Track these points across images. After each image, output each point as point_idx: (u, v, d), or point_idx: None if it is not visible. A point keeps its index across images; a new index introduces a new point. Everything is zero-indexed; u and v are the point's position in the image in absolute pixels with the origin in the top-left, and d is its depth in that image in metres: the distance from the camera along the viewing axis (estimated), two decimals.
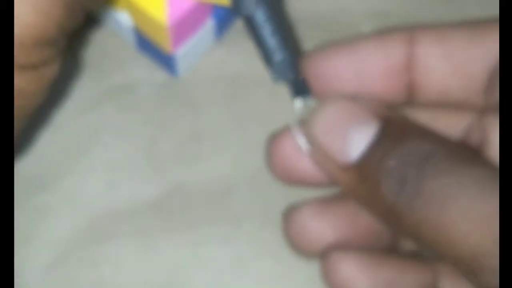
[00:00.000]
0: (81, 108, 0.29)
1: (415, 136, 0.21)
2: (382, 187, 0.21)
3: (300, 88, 0.24)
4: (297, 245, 0.24)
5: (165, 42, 0.27)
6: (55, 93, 0.29)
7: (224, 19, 0.28)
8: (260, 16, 0.23)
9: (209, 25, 0.28)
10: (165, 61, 0.28)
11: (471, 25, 0.23)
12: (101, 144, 0.28)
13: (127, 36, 0.29)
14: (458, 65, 0.23)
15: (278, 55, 0.23)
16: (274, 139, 0.23)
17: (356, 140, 0.21)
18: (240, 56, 0.29)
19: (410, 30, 0.23)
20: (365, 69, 0.23)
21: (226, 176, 0.28)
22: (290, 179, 0.24)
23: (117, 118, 0.28)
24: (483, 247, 0.19)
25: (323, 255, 0.24)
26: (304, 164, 0.23)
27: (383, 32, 0.23)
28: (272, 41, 0.23)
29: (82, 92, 0.29)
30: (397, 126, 0.22)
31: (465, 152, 0.21)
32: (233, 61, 0.29)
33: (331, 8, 0.30)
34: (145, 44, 0.28)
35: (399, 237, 0.25)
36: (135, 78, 0.29)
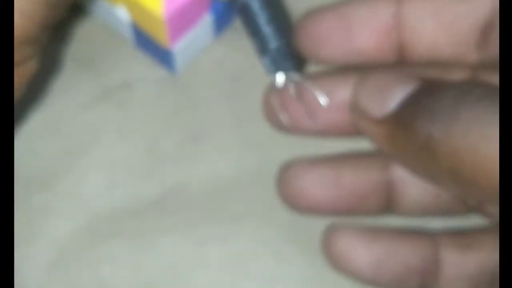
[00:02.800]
0: (80, 108, 0.29)
1: (454, 83, 0.21)
2: (417, 122, 0.20)
3: (281, 62, 0.24)
4: (289, 199, 0.25)
5: (162, 36, 0.26)
6: (53, 93, 0.29)
7: (223, 16, 0.28)
8: (256, 4, 0.23)
9: (207, 20, 0.28)
10: (163, 57, 0.28)
11: None
12: (100, 143, 0.28)
13: (125, 32, 0.29)
14: (447, 21, 0.23)
15: (274, 43, 0.23)
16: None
17: (394, 95, 0.22)
18: (240, 54, 0.29)
19: None
20: (355, 30, 0.23)
21: (226, 175, 0.28)
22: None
23: (116, 117, 0.28)
24: None
25: (324, 231, 0.25)
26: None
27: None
28: (267, 29, 0.23)
29: (81, 91, 0.29)
30: (436, 83, 0.22)
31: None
32: (233, 59, 0.29)
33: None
34: (143, 40, 0.28)
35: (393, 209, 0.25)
36: (134, 76, 0.29)
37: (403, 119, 0.21)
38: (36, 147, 0.28)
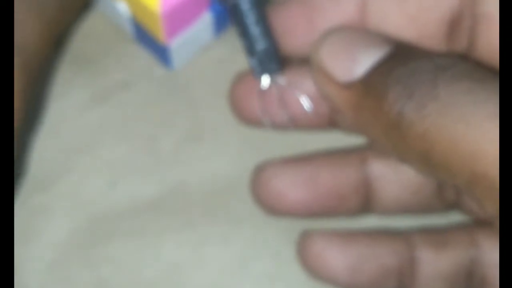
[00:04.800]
0: (79, 108, 0.28)
1: (432, 53, 0.20)
2: (390, 95, 0.18)
3: (267, 65, 0.24)
4: (264, 203, 0.24)
5: (159, 31, 0.27)
6: (53, 93, 0.29)
7: (222, 15, 0.28)
8: (245, 4, 0.23)
9: (206, 19, 0.28)
10: (161, 52, 0.28)
11: None
12: (100, 143, 0.28)
13: (125, 26, 0.29)
14: (413, 14, 0.22)
15: (261, 44, 0.23)
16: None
17: (363, 58, 0.20)
18: (240, 54, 0.29)
19: None
20: (317, 21, 0.22)
21: (226, 175, 0.28)
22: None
23: (116, 117, 0.28)
24: None
25: (298, 237, 0.24)
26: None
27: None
28: (255, 30, 0.23)
29: (80, 91, 0.29)
30: (410, 49, 0.21)
31: (485, 69, 0.18)
32: (234, 59, 0.29)
33: None
34: (142, 34, 0.28)
35: (367, 207, 0.24)
36: (134, 76, 0.29)
37: (372, 88, 0.19)
38: (36, 148, 0.28)
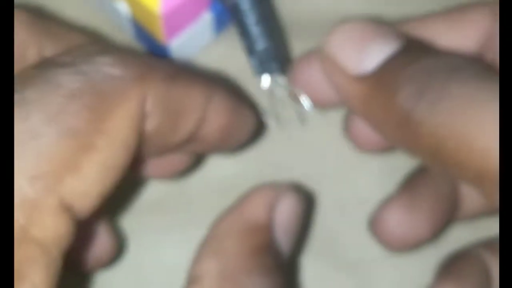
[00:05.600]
0: None
1: (444, 52, 0.20)
2: (400, 93, 0.19)
3: (268, 64, 0.24)
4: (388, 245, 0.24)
5: (158, 31, 0.27)
6: None
7: (222, 15, 0.28)
8: (245, 4, 0.23)
9: (206, 18, 0.28)
10: (161, 52, 0.28)
11: (450, 11, 0.22)
12: None
13: (125, 26, 0.29)
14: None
15: (261, 44, 0.23)
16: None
17: (375, 52, 0.20)
18: (241, 53, 0.29)
19: (392, 25, 0.22)
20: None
21: (227, 175, 0.28)
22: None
23: None
24: None
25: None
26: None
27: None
28: (255, 29, 0.23)
29: None
30: (422, 45, 0.21)
31: (497, 71, 0.19)
32: (234, 58, 0.29)
33: (331, 8, 0.30)
34: (142, 34, 0.28)
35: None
36: None
37: (384, 83, 0.19)
38: None
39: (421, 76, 0.18)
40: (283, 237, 0.21)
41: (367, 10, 0.30)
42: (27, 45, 0.21)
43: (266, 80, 0.23)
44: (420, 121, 0.18)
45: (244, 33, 0.24)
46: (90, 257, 0.23)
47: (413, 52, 0.20)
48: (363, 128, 0.23)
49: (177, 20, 0.26)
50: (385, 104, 0.19)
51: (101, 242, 0.23)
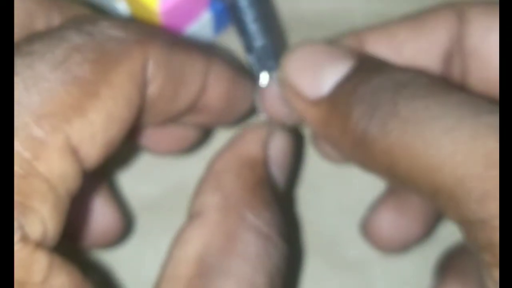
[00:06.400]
0: None
1: (392, 68, 0.21)
2: (354, 113, 0.19)
3: (265, 61, 0.24)
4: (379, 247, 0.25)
5: None
6: None
7: (222, 14, 0.28)
8: (243, 2, 0.23)
9: (206, 17, 0.28)
10: None
11: (414, 17, 0.23)
12: None
13: None
14: (410, 58, 0.22)
15: (259, 41, 0.23)
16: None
17: (329, 74, 0.21)
18: (240, 52, 0.29)
19: (358, 33, 0.23)
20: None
21: None
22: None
23: None
24: (467, 169, 0.17)
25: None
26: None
27: (334, 41, 0.23)
28: (253, 27, 0.23)
29: None
30: (373, 61, 0.21)
31: (443, 82, 0.20)
32: (233, 58, 0.29)
33: (331, 8, 0.30)
34: None
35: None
36: None
37: (338, 106, 0.20)
38: None
39: (371, 97, 0.19)
40: (277, 171, 0.22)
41: (366, 8, 0.30)
42: (35, 14, 0.21)
43: (264, 77, 0.23)
44: (373, 141, 0.19)
45: (243, 31, 0.24)
46: (94, 230, 0.24)
47: (364, 71, 0.20)
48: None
49: (177, 18, 0.26)
50: (341, 126, 0.20)
51: (105, 217, 0.24)
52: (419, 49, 0.22)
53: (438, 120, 0.17)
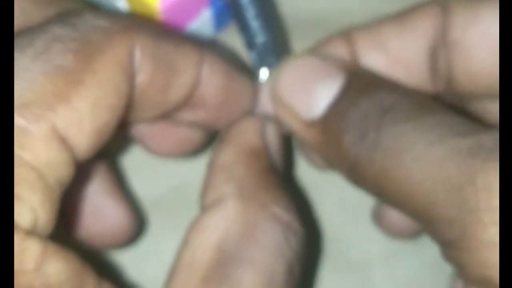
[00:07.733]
0: None
1: (379, 88, 0.21)
2: (345, 139, 0.20)
3: (266, 58, 0.24)
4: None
5: None
6: None
7: (223, 11, 0.28)
8: None
9: (206, 16, 0.28)
10: None
11: (401, 13, 0.23)
12: None
13: None
14: (395, 55, 0.23)
15: (260, 37, 0.23)
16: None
17: (321, 95, 0.21)
18: (241, 50, 0.29)
19: (347, 33, 0.23)
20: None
21: None
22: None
23: None
24: (435, 195, 0.17)
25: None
26: None
27: (322, 42, 0.23)
28: (255, 23, 0.23)
29: None
30: (362, 78, 0.22)
31: (427, 102, 0.20)
32: (234, 55, 0.29)
33: (331, 8, 0.30)
34: None
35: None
36: None
37: (331, 128, 0.21)
38: None
39: (359, 123, 0.20)
40: (276, 156, 0.22)
41: (366, 8, 0.30)
42: (32, 14, 0.21)
43: (264, 74, 0.23)
44: (364, 166, 0.19)
45: (244, 27, 0.24)
46: (106, 231, 0.24)
47: (355, 90, 0.21)
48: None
49: (177, 16, 0.26)
50: (335, 149, 0.20)
51: (117, 217, 0.24)
52: (404, 44, 0.22)
53: (410, 147, 0.18)
